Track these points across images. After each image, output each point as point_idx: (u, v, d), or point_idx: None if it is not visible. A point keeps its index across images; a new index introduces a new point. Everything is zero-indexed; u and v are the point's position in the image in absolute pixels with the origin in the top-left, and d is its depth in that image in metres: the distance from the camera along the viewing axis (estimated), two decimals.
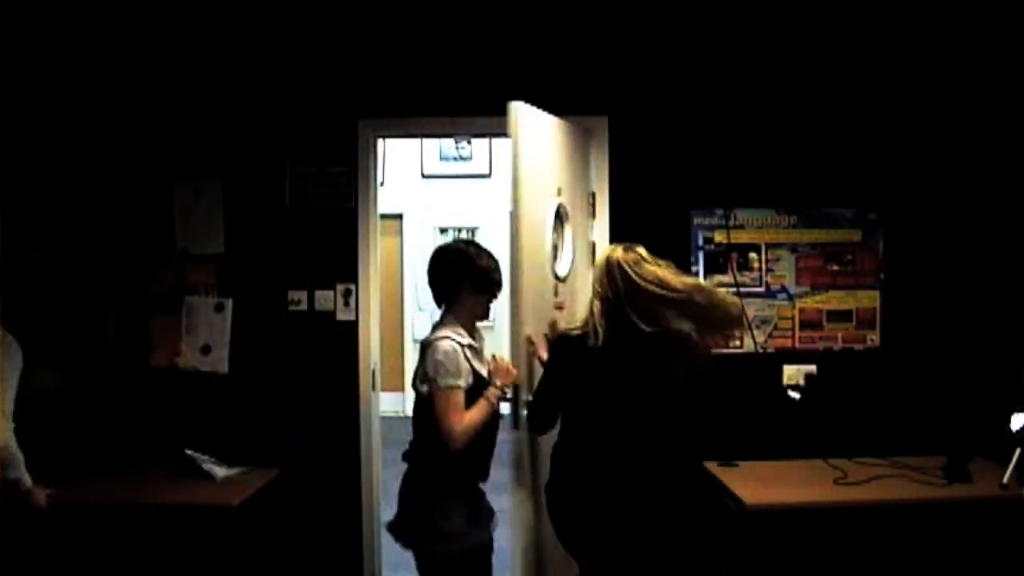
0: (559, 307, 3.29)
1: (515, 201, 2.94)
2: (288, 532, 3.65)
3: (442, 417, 2.70)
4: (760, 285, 3.73)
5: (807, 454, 3.55)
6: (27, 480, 2.99)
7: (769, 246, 3.73)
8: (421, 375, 2.76)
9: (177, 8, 3.65)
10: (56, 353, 3.60)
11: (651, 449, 2.74)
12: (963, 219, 3.70)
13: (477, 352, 2.85)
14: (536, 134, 3.11)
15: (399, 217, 8.11)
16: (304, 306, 3.70)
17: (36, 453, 3.00)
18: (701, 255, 3.71)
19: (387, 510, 3.72)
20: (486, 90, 3.63)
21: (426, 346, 2.79)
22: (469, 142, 7.96)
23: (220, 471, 3.44)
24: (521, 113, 2.96)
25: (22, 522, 3.02)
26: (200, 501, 3.19)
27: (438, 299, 2.89)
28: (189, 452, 3.49)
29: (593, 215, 3.68)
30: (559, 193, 3.30)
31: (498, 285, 2.89)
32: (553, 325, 3.13)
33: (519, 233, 2.93)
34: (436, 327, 2.83)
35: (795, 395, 3.66)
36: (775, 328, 3.72)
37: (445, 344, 2.74)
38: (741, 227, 3.72)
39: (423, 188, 8.19)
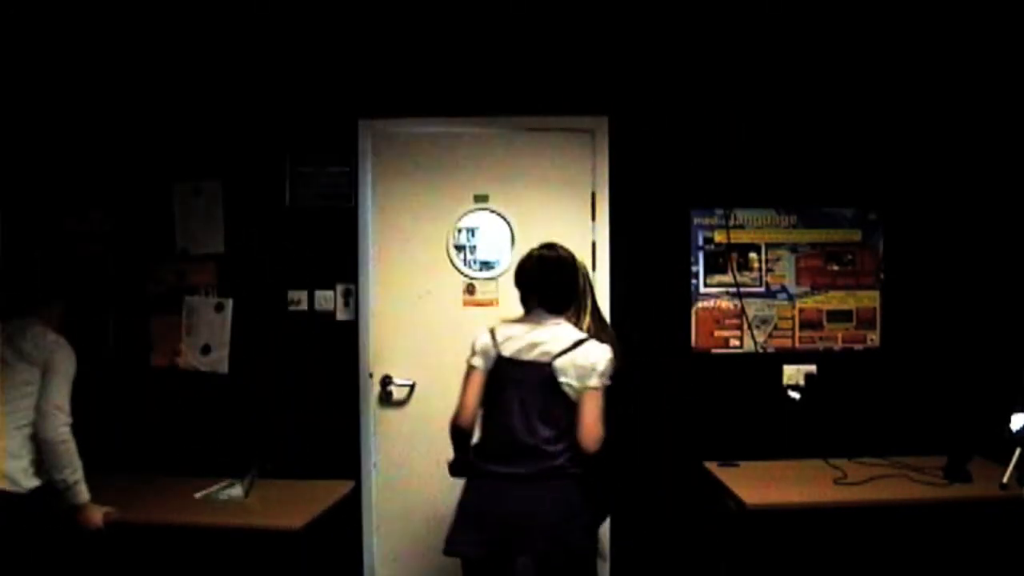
0: (483, 304, 3.72)
1: (363, 206, 3.63)
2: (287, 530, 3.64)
3: (601, 416, 2.63)
4: (760, 285, 3.72)
5: (807, 454, 3.56)
6: (84, 491, 2.82)
7: (769, 246, 3.72)
8: (583, 372, 2.64)
9: (177, 7, 3.65)
10: None
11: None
12: (963, 219, 3.70)
13: None
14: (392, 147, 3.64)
15: None
16: (304, 306, 3.70)
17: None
18: (701, 255, 3.71)
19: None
20: (486, 90, 3.64)
21: (579, 344, 2.68)
22: None
23: (238, 491, 3.27)
24: (367, 130, 3.60)
25: (68, 538, 2.80)
26: (267, 524, 3.03)
27: (562, 306, 2.80)
28: (198, 495, 3.26)
29: (593, 215, 3.68)
30: (485, 200, 3.74)
31: None
32: None
33: (366, 235, 3.69)
34: (561, 329, 2.73)
35: (795, 395, 3.66)
36: (775, 328, 3.72)
37: (606, 347, 2.71)
38: (741, 227, 3.72)
39: None
